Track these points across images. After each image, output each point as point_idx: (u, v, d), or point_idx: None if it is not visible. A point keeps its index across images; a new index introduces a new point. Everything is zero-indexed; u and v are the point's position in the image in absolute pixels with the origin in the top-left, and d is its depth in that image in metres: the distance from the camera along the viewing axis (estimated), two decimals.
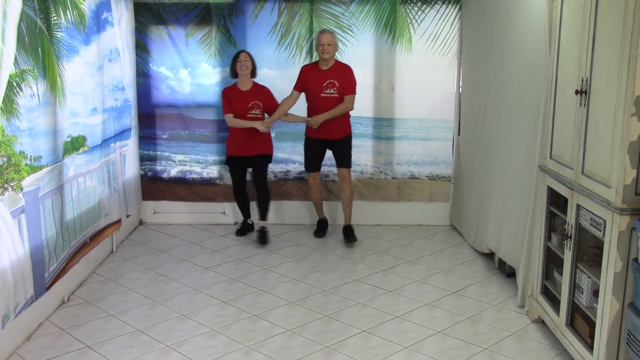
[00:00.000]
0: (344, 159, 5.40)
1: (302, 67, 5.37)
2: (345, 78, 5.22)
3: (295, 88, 5.32)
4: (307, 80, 5.28)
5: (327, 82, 5.20)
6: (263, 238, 5.34)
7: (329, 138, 5.32)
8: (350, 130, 5.39)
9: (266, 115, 5.34)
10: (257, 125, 5.20)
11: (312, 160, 5.46)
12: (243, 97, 5.26)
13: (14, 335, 3.40)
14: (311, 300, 4.17)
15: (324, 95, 5.22)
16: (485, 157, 4.94)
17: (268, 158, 5.46)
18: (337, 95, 5.21)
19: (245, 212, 5.64)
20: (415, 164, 5.87)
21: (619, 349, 2.82)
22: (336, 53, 5.33)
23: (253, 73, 5.33)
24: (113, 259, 4.96)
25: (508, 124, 4.47)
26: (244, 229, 5.66)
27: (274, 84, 5.74)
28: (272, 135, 5.85)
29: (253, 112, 5.27)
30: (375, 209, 5.93)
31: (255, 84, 5.34)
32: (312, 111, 5.29)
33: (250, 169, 5.48)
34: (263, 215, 5.42)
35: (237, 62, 5.24)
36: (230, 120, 5.25)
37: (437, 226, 5.91)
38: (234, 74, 5.29)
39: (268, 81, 5.74)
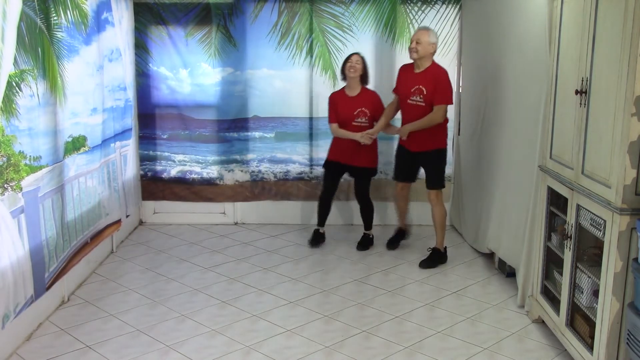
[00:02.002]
0: (427, 177, 4.82)
1: (401, 67, 4.91)
2: (435, 85, 4.57)
3: (394, 91, 4.94)
4: (399, 83, 4.85)
5: (414, 87, 4.65)
6: (364, 243, 5.24)
7: (409, 149, 4.83)
8: (439, 144, 4.75)
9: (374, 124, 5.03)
10: (357, 137, 4.91)
11: (397, 168, 5.03)
12: (350, 103, 4.99)
13: (14, 335, 3.40)
14: (311, 300, 4.17)
15: (410, 102, 4.70)
16: (485, 157, 4.94)
17: (372, 172, 5.16)
18: (423, 104, 4.62)
19: (321, 219, 5.32)
20: None
21: (619, 349, 2.82)
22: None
23: (364, 79, 5.03)
24: (113, 259, 4.96)
25: (508, 123, 4.47)
26: (317, 239, 5.31)
27: (273, 84, 5.77)
28: (272, 135, 5.87)
29: (359, 120, 4.96)
30: (375, 209, 5.91)
31: (364, 89, 5.05)
32: (402, 119, 4.87)
33: (349, 179, 5.31)
34: (368, 226, 5.28)
35: (347, 63, 4.96)
36: (335, 130, 5.02)
37: None
38: (344, 76, 5.03)
39: (267, 81, 5.77)
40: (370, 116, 5.00)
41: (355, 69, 4.94)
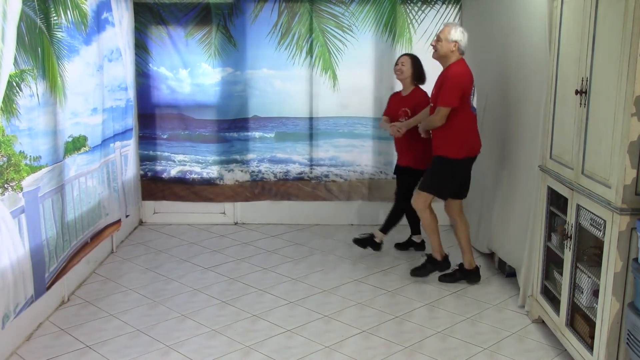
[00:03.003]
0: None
1: None
2: (441, 85, 4.23)
3: None
4: None
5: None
6: (363, 241, 5.02)
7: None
8: (442, 152, 4.28)
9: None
10: (387, 127, 4.87)
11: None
12: (398, 103, 4.88)
13: (14, 335, 3.40)
14: (311, 300, 4.17)
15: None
16: (486, 157, 4.93)
17: (413, 173, 4.78)
18: (431, 104, 4.38)
19: (411, 226, 5.14)
20: None
21: (619, 349, 2.82)
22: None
23: (417, 78, 4.82)
24: (113, 259, 4.96)
25: (508, 124, 4.48)
26: (404, 244, 5.21)
27: (273, 84, 5.77)
28: (272, 135, 5.87)
29: (400, 119, 4.80)
30: (375, 209, 5.93)
31: (416, 89, 4.84)
32: None
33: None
34: (382, 227, 4.99)
35: (395, 66, 4.86)
36: (380, 122, 5.10)
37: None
38: None
39: (267, 81, 5.77)
40: (411, 116, 4.76)
41: (401, 71, 4.80)
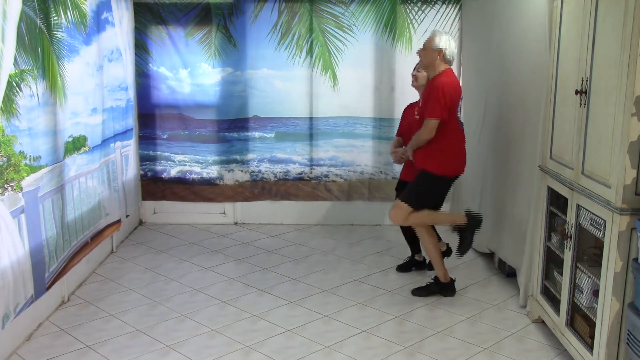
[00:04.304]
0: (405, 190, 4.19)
1: None
2: (427, 94, 3.95)
3: None
4: None
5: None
6: (406, 265, 4.73)
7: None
8: (427, 166, 4.02)
9: None
10: (391, 153, 4.56)
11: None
12: (414, 111, 4.33)
13: (14, 335, 3.40)
14: (311, 300, 4.17)
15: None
16: (486, 157, 4.94)
17: (410, 185, 4.16)
18: (417, 117, 4.12)
19: (411, 246, 4.74)
20: None
21: (619, 349, 2.82)
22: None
23: None
24: (113, 259, 4.96)
25: (508, 123, 4.48)
26: (406, 265, 4.74)
27: (273, 84, 5.77)
28: (272, 135, 5.87)
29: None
30: (375, 209, 5.93)
31: None
32: None
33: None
34: (413, 248, 4.72)
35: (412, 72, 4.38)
36: (390, 148, 4.63)
37: (437, 226, 5.89)
38: None
39: (267, 81, 5.77)
40: None
41: (415, 78, 4.33)
